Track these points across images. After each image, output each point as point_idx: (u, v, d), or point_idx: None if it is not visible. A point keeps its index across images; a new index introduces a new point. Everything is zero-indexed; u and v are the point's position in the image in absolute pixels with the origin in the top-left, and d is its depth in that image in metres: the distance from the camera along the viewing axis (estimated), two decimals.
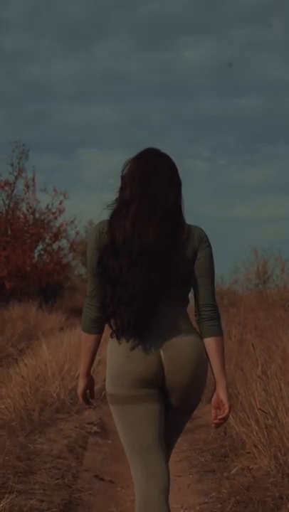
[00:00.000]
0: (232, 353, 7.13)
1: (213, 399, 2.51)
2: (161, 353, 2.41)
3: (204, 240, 2.54)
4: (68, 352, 8.21)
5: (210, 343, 2.48)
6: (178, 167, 2.60)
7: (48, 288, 23.34)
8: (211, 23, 38.84)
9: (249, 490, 3.90)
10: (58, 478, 4.38)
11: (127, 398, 2.43)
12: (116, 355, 2.45)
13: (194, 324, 2.55)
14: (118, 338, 2.43)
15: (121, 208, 2.49)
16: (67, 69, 39.51)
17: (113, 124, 41.24)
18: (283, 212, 36.54)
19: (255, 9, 38.36)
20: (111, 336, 2.48)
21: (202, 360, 2.47)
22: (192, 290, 2.58)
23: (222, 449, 4.97)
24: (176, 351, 2.42)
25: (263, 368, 5.24)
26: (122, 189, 2.53)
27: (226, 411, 2.48)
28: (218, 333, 2.49)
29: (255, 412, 4.59)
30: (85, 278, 28.36)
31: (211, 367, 2.51)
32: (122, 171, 2.56)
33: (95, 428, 6.04)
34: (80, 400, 2.67)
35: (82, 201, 38.85)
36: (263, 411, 4.48)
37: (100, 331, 2.57)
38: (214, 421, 2.52)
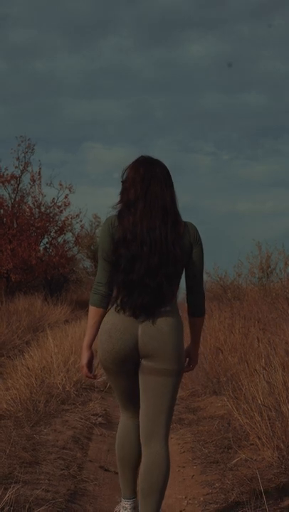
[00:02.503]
0: (236, 346, 7.16)
1: (186, 352, 3.17)
2: (139, 329, 2.92)
3: (198, 238, 3.02)
4: (73, 344, 8.24)
5: (195, 321, 3.13)
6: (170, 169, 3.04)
7: (53, 281, 23.42)
8: (215, 19, 38.75)
9: (252, 481, 3.92)
10: (64, 469, 4.42)
11: (110, 370, 3.03)
12: (103, 332, 2.98)
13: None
14: (123, 312, 2.92)
15: (128, 207, 2.92)
16: (73, 64, 39.48)
17: (118, 119, 41.23)
18: (287, 207, 36.49)
19: (259, 4, 38.24)
20: (115, 310, 2.95)
21: (173, 333, 2.93)
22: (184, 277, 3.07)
23: (225, 440, 4.99)
24: (150, 326, 2.91)
25: (267, 361, 5.26)
26: (125, 191, 2.96)
27: (193, 365, 3.23)
28: (202, 314, 3.13)
29: (259, 404, 4.62)
30: (90, 271, 28.44)
31: (190, 336, 3.19)
32: (122, 176, 2.99)
33: (100, 419, 6.07)
34: (85, 370, 3.11)
35: (88, 195, 38.83)
36: (265, 406, 4.51)
37: (106, 306, 3.02)
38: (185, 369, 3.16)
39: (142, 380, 3.00)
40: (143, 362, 2.97)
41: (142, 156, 3.02)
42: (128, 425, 3.22)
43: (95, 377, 3.16)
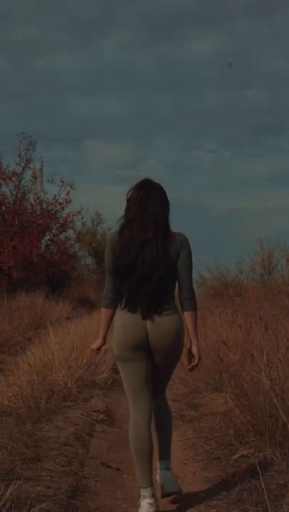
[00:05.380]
0: (238, 343, 7.15)
1: (189, 352, 3.68)
2: (148, 326, 3.52)
3: (184, 244, 3.58)
4: (75, 341, 8.24)
5: (187, 315, 3.63)
6: (167, 188, 3.65)
7: (54, 278, 23.40)
8: (217, 17, 38.69)
9: (254, 478, 3.91)
10: (65, 465, 4.42)
11: (124, 358, 3.59)
12: (117, 328, 3.59)
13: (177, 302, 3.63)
14: (132, 312, 3.53)
15: (127, 224, 3.55)
16: (74, 62, 39.46)
17: (119, 117, 41.22)
18: (288, 204, 36.45)
19: (260, 2, 38.15)
20: (123, 308, 3.58)
21: (177, 333, 3.56)
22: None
23: (227, 437, 4.98)
24: (158, 325, 3.52)
25: (268, 357, 5.25)
26: (127, 209, 3.58)
27: (196, 361, 3.68)
28: (193, 308, 3.63)
29: (260, 400, 4.61)
30: (91, 268, 28.45)
31: (187, 331, 3.64)
32: (127, 195, 3.60)
33: (101, 416, 6.08)
34: (94, 351, 3.84)
35: (89, 192, 38.82)
36: (267, 402, 4.50)
37: (115, 307, 3.65)
38: (188, 367, 3.73)
39: (154, 369, 3.67)
40: (154, 356, 3.60)
41: (144, 178, 3.63)
42: (139, 423, 3.60)
43: (97, 353, 3.90)
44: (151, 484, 3.56)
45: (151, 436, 3.60)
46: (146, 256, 3.48)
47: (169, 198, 3.67)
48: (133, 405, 3.65)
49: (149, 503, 3.51)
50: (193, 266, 3.64)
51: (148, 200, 3.55)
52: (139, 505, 3.57)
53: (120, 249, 3.52)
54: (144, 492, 3.54)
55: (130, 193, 3.61)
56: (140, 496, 3.59)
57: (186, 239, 3.60)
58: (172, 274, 3.56)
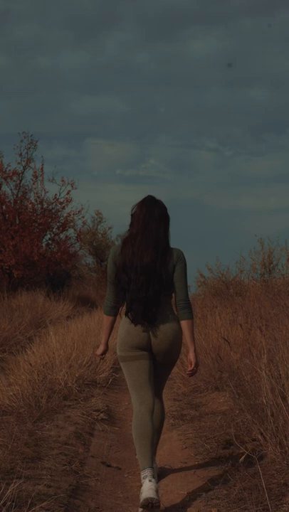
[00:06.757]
0: (238, 342, 7.15)
1: (188, 359, 3.97)
2: (150, 331, 3.88)
3: (180, 258, 3.93)
4: (76, 340, 8.23)
5: (183, 323, 3.94)
6: (168, 205, 4.01)
7: (55, 277, 23.39)
8: (218, 15, 38.63)
9: (254, 477, 3.91)
10: (66, 464, 4.42)
11: (128, 357, 3.91)
12: (122, 332, 3.92)
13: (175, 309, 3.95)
14: (135, 324, 3.85)
15: (130, 239, 3.89)
16: (76, 60, 39.43)
17: (121, 115, 41.19)
18: None
19: (260, 2, 38.11)
20: (125, 315, 3.92)
21: (175, 337, 3.91)
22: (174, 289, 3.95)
23: (227, 436, 4.99)
24: (159, 331, 3.88)
25: (269, 357, 5.25)
26: (131, 225, 3.94)
27: (193, 366, 3.97)
28: (189, 317, 3.94)
29: (261, 399, 4.61)
30: (92, 267, 28.43)
31: (184, 338, 3.95)
32: (132, 211, 3.95)
33: (102, 415, 6.08)
34: (97, 356, 4.20)
35: (90, 191, 38.81)
36: (267, 401, 4.50)
37: (115, 315, 4.06)
38: (187, 372, 4.06)
39: (155, 370, 3.98)
40: (155, 357, 3.93)
41: (148, 195, 3.97)
42: (142, 411, 3.85)
43: (102, 358, 4.29)
44: (151, 465, 3.72)
45: (153, 424, 3.83)
46: (145, 269, 3.82)
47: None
48: (137, 399, 3.90)
49: (150, 481, 3.62)
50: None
51: (150, 218, 3.89)
52: (141, 501, 3.61)
53: (123, 263, 3.86)
54: (145, 473, 3.68)
55: (134, 210, 3.96)
56: (141, 478, 3.71)
57: (182, 253, 3.95)
58: (168, 285, 3.89)
